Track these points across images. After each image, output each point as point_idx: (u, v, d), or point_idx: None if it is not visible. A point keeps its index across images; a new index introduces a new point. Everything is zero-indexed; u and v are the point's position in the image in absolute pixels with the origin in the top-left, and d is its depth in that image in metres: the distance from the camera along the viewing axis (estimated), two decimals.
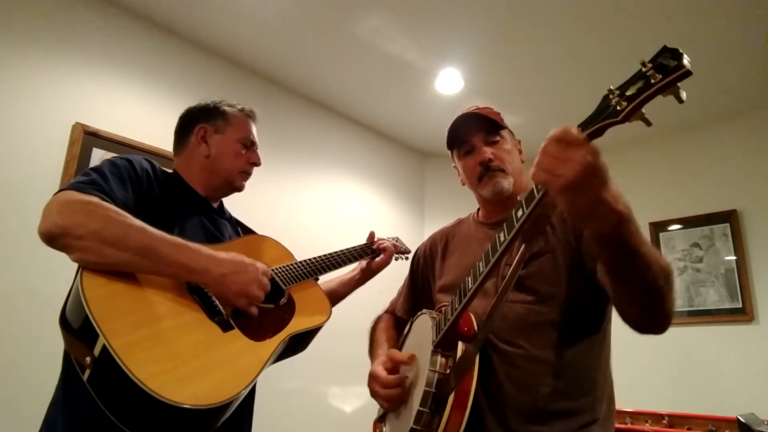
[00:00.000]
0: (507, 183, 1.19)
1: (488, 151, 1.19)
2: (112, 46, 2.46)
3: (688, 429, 2.41)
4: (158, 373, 0.83)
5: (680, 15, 2.46)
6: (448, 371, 0.97)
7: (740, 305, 3.11)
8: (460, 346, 1.00)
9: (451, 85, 3.15)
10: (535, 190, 0.84)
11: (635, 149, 3.66)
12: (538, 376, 1.00)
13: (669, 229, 3.48)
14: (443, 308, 1.12)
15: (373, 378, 1.14)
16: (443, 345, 1.01)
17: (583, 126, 0.76)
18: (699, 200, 3.37)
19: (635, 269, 0.80)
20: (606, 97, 0.74)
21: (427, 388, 0.95)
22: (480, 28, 2.66)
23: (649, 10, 2.44)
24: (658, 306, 0.85)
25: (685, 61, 0.64)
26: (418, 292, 1.39)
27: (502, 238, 0.90)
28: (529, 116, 3.32)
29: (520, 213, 0.88)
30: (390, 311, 1.45)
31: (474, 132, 1.22)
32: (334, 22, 2.63)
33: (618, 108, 0.70)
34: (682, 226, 3.43)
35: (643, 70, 0.69)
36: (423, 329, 1.13)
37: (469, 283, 0.98)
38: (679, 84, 0.66)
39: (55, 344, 0.98)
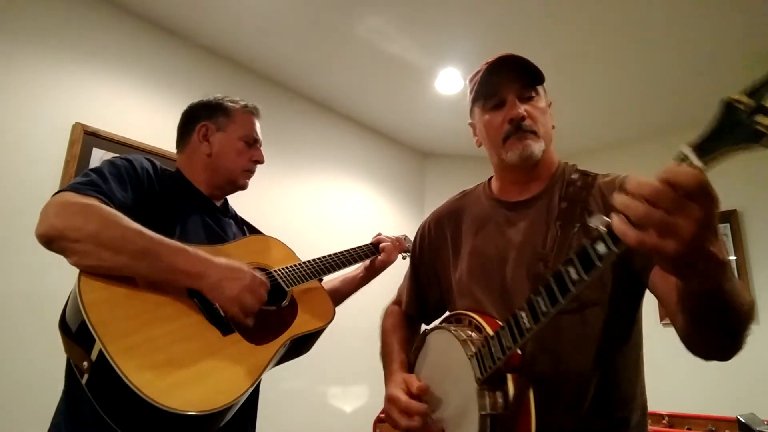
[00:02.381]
0: (538, 148, 1.01)
1: (521, 108, 1.01)
2: (112, 46, 2.46)
3: (688, 429, 2.40)
4: (155, 379, 0.82)
5: (680, 16, 2.45)
6: (499, 411, 0.82)
7: None
8: (510, 378, 0.84)
9: (451, 85, 3.14)
10: (608, 242, 0.60)
11: (635, 149, 3.65)
12: (580, 397, 0.90)
13: None
14: (473, 321, 0.96)
15: (392, 402, 0.96)
16: (490, 381, 0.84)
17: (701, 149, 0.56)
18: None
19: (724, 319, 0.70)
20: (731, 109, 0.54)
21: None
22: (480, 28, 2.65)
23: (649, 11, 2.43)
24: (734, 344, 0.76)
25: None
26: (422, 282, 1.23)
27: (574, 276, 0.67)
28: None
29: (572, 272, 0.66)
30: (397, 302, 1.31)
31: (507, 82, 1.03)
32: (334, 22, 2.62)
33: (759, 129, 0.51)
34: None
35: None
36: (449, 354, 0.95)
37: (526, 322, 0.77)
38: None
39: (57, 348, 0.98)
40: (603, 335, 0.91)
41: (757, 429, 1.96)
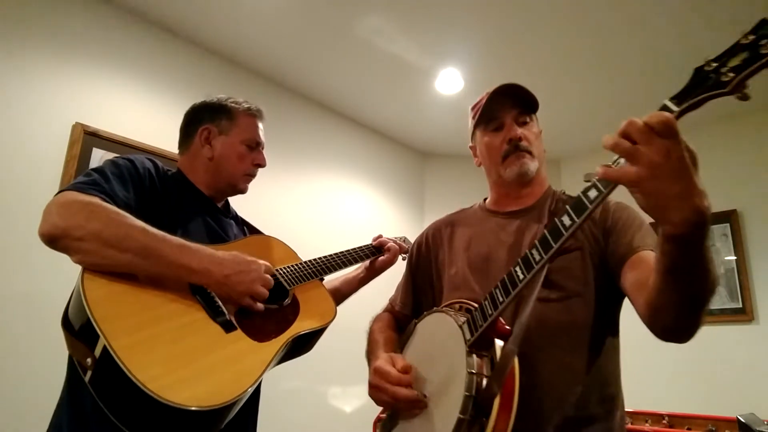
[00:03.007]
0: (533, 166, 1.14)
1: (519, 130, 1.14)
2: (112, 46, 2.46)
3: (688, 429, 2.41)
4: (159, 375, 0.82)
5: (677, 15, 2.46)
6: (486, 372, 0.88)
7: (740, 305, 3.11)
8: (497, 344, 0.90)
9: (451, 85, 3.15)
10: (599, 186, 0.73)
11: None
12: (562, 382, 0.96)
13: None
14: (463, 305, 1.03)
15: (379, 374, 1.01)
16: (478, 345, 0.91)
17: (679, 98, 0.69)
18: None
19: (695, 277, 0.74)
20: (700, 70, 0.69)
21: (467, 393, 0.84)
22: (480, 28, 2.66)
23: (646, 11, 2.44)
24: (696, 317, 0.80)
25: None
26: (417, 286, 1.30)
27: (567, 222, 0.78)
28: None
29: (566, 219, 0.78)
30: (388, 309, 1.36)
31: (506, 108, 1.16)
32: (334, 22, 2.63)
33: (724, 79, 0.66)
34: None
35: (744, 41, 0.66)
36: (440, 329, 1.02)
37: (519, 273, 0.85)
38: None
39: (57, 346, 0.98)
40: (585, 324, 0.99)
41: (757, 429, 1.96)
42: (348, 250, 1.48)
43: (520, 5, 2.45)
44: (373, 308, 1.47)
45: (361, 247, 1.54)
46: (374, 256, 1.55)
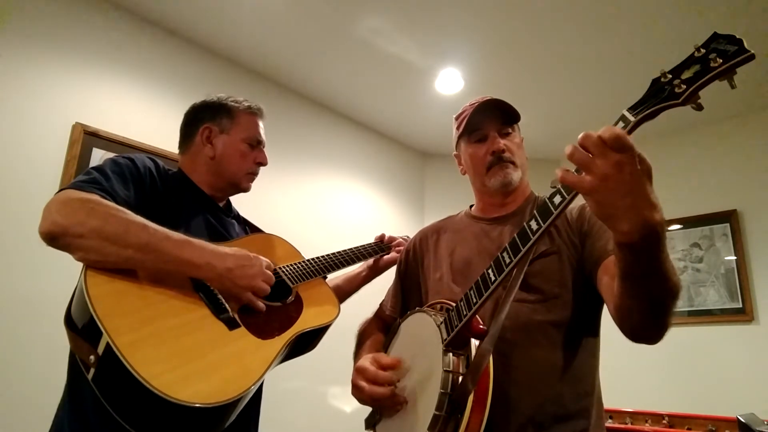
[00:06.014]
0: (516, 176, 1.18)
1: (501, 142, 1.18)
2: (112, 46, 2.46)
3: (688, 429, 2.41)
4: (163, 372, 0.82)
5: (678, 15, 2.46)
6: (461, 371, 0.91)
7: (740, 305, 3.11)
8: (473, 343, 0.94)
9: (451, 85, 3.15)
10: (563, 192, 0.76)
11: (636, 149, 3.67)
12: (540, 379, 0.99)
13: (669, 229, 3.47)
14: (444, 306, 1.07)
15: (360, 372, 1.05)
16: (454, 344, 0.95)
17: (635, 109, 0.73)
18: (699, 200, 3.37)
19: (652, 282, 0.76)
20: (657, 81, 0.73)
21: (442, 390, 0.88)
22: (480, 28, 2.66)
23: (646, 11, 2.44)
24: (661, 320, 0.83)
25: (747, 45, 0.65)
26: (406, 289, 1.34)
27: (534, 227, 0.82)
28: (529, 116, 3.31)
29: (533, 224, 0.82)
30: (378, 313, 1.40)
31: (489, 120, 1.20)
32: (334, 22, 2.63)
33: (677, 91, 0.69)
34: (682, 226, 3.43)
35: (697, 55, 0.70)
36: (421, 328, 1.07)
37: (491, 275, 0.90)
38: (736, 69, 0.66)
39: (58, 346, 0.98)
40: (562, 323, 1.03)
41: (757, 429, 1.96)
42: (351, 249, 1.48)
43: (520, 6, 2.45)
44: (375, 308, 1.47)
45: (364, 245, 1.54)
46: (377, 255, 1.55)
